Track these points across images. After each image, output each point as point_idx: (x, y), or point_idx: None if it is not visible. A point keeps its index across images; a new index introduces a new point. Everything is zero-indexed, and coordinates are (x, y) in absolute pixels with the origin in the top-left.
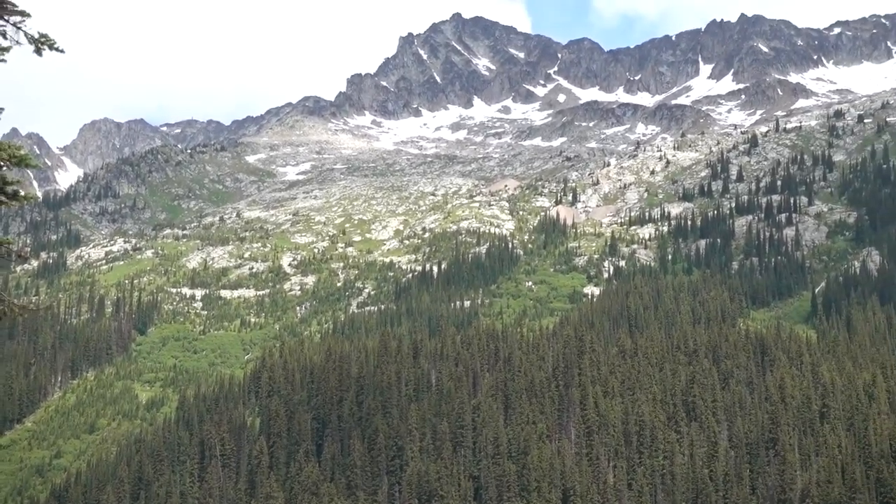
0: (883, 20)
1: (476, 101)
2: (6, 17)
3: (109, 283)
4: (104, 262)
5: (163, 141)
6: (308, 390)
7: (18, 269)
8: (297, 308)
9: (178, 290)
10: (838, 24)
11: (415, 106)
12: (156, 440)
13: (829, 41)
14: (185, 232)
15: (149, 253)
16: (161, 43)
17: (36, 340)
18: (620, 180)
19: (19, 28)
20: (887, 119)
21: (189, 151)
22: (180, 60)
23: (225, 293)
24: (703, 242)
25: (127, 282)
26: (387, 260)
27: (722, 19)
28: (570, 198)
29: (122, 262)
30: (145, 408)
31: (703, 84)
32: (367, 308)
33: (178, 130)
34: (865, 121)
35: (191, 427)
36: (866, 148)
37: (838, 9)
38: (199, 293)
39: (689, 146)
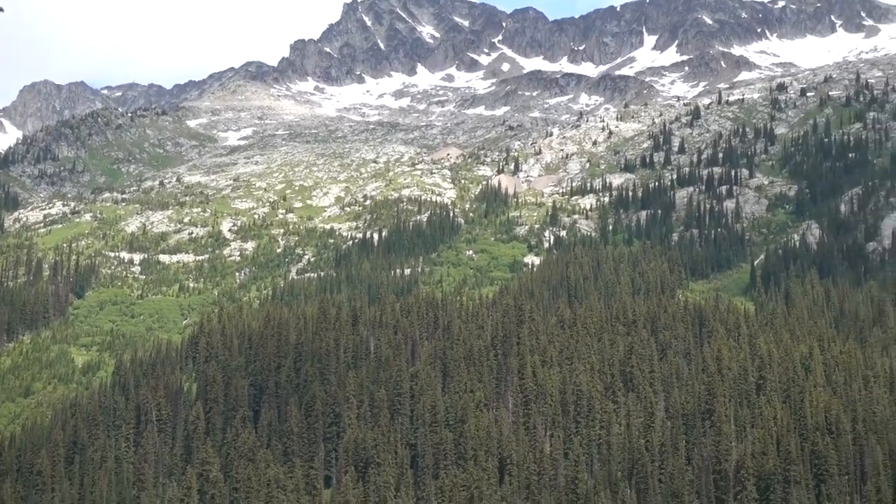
0: None
1: (420, 68)
2: None
3: (47, 247)
4: (42, 225)
5: (103, 104)
6: (246, 356)
7: None
8: (237, 274)
9: (117, 254)
10: None
11: (358, 73)
12: (91, 404)
13: (774, 14)
14: (124, 196)
15: (87, 216)
16: (103, 4)
17: None
18: (563, 150)
19: None
20: (829, 93)
21: (130, 115)
22: (122, 23)
23: (164, 258)
24: (643, 214)
25: (65, 245)
26: (327, 227)
27: None
28: (512, 167)
29: (60, 226)
30: (81, 372)
31: (647, 55)
32: (307, 275)
33: (120, 94)
34: (808, 94)
35: (127, 392)
36: (808, 121)
37: None
38: (137, 257)
39: (632, 117)
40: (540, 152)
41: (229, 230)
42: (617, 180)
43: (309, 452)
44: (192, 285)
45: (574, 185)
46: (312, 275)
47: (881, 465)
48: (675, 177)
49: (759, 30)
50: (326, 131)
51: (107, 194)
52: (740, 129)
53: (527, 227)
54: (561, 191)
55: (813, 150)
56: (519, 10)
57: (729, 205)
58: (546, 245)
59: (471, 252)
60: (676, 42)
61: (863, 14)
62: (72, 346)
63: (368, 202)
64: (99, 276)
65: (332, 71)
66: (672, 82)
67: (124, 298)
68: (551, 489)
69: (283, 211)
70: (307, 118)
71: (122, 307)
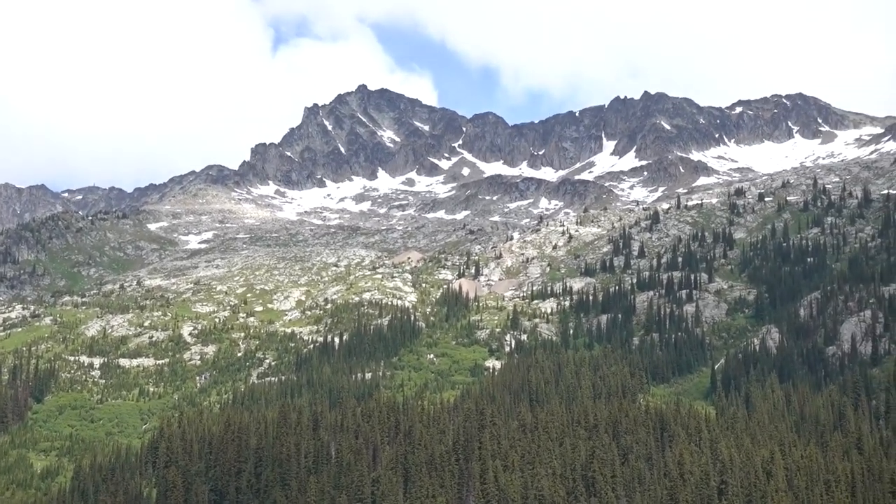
0: (784, 100)
1: (381, 172)
2: None
3: (6, 350)
4: (1, 328)
5: (64, 207)
6: (206, 461)
7: None
8: (197, 378)
9: (77, 358)
10: (740, 103)
11: (319, 176)
12: None
13: (731, 120)
14: (84, 299)
15: (47, 320)
16: (63, 108)
17: None
18: (523, 254)
19: None
20: (787, 198)
21: (90, 218)
22: (83, 126)
23: (124, 362)
24: (604, 317)
25: (24, 349)
26: (288, 330)
27: (626, 96)
28: (472, 271)
29: (20, 329)
30: (40, 477)
31: (606, 160)
32: (268, 379)
33: (80, 197)
34: (766, 199)
35: (86, 497)
36: (766, 226)
37: (740, 88)
38: (97, 361)
39: (592, 221)
40: (500, 256)
41: (190, 334)
42: (577, 284)
43: None
44: (152, 389)
45: (535, 288)
46: (273, 379)
47: None
48: (635, 281)
49: (716, 135)
50: (287, 235)
51: (67, 298)
52: (699, 234)
53: (488, 331)
54: (522, 295)
55: (772, 255)
56: (479, 114)
57: (689, 309)
58: (507, 349)
59: (432, 356)
60: (635, 147)
61: (819, 120)
62: (31, 450)
63: (329, 306)
64: (58, 381)
65: (292, 175)
66: (631, 187)
67: (84, 403)
68: None
69: (244, 315)
70: (268, 222)
71: (81, 411)
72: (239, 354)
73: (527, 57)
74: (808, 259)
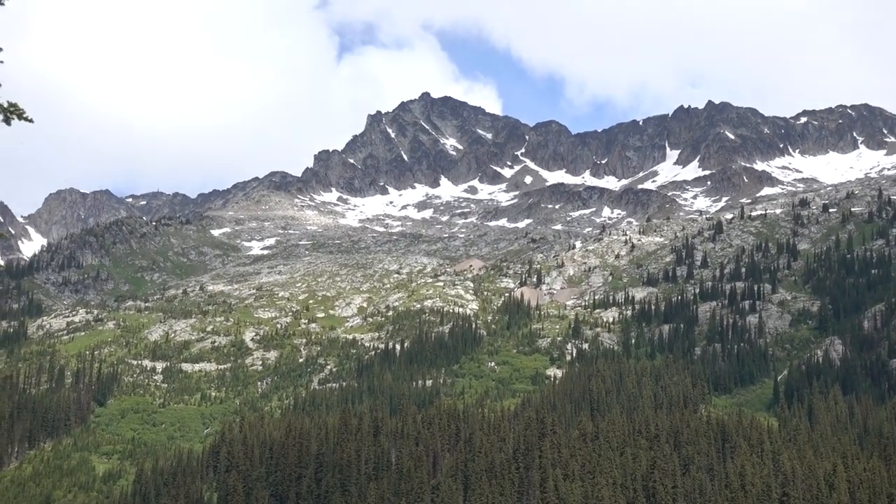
0: (849, 111)
1: (443, 180)
2: None
3: (70, 354)
4: (65, 332)
5: (128, 212)
6: (267, 466)
7: None
8: (259, 383)
9: (139, 362)
10: (804, 113)
11: (381, 184)
12: None
13: (796, 130)
14: (147, 304)
15: (110, 324)
16: (129, 113)
17: None
18: (585, 263)
19: None
20: (852, 209)
21: (154, 224)
22: (149, 132)
23: (186, 366)
24: (666, 327)
25: (87, 353)
26: (350, 337)
27: (689, 105)
28: (534, 279)
29: (83, 333)
30: (102, 480)
31: (669, 169)
32: (329, 385)
33: (144, 202)
34: (830, 210)
35: (147, 500)
36: (831, 237)
37: (805, 99)
38: (159, 366)
39: (655, 231)
40: (562, 265)
41: (252, 339)
42: (639, 294)
43: None
44: (213, 394)
45: (596, 297)
46: (334, 385)
47: None
48: (697, 291)
49: (781, 145)
50: (349, 242)
51: (130, 302)
52: (763, 244)
53: (549, 340)
54: (583, 303)
55: (835, 266)
56: (542, 123)
57: (752, 319)
58: (568, 358)
59: (493, 364)
60: (699, 157)
61: (885, 131)
62: (93, 453)
63: (391, 313)
64: (121, 384)
65: (355, 182)
66: (694, 196)
67: (146, 406)
68: None
69: (306, 321)
70: (330, 228)
71: (143, 415)
72: (300, 360)
73: (591, 66)
74: (873, 271)
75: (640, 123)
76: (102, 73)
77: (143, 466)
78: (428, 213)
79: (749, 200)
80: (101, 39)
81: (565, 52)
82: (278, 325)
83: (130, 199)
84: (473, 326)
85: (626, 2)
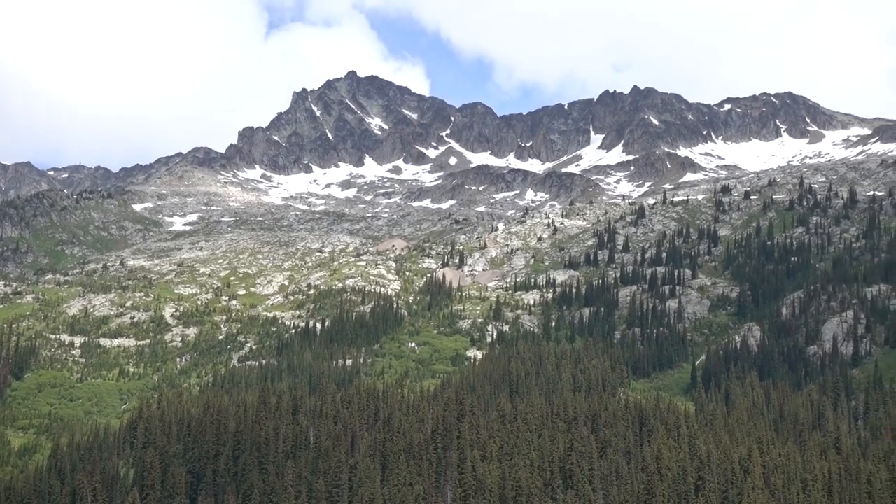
0: (773, 99)
1: (367, 159)
2: None
3: None
4: None
5: (49, 185)
6: (184, 443)
7: None
8: (178, 359)
9: (58, 336)
10: (729, 100)
11: (306, 162)
12: (26, 488)
13: (719, 117)
14: (67, 278)
15: (29, 298)
16: (51, 85)
17: None
18: (508, 245)
19: None
20: (773, 196)
21: (75, 197)
22: (71, 104)
23: (105, 342)
24: (587, 311)
25: (5, 326)
26: (270, 315)
27: (615, 90)
28: (457, 260)
29: (1, 306)
30: (17, 455)
31: (593, 153)
32: (249, 362)
33: (66, 175)
34: (752, 197)
35: (63, 476)
36: (751, 224)
37: (729, 86)
38: (78, 340)
39: (577, 214)
40: (485, 247)
41: (171, 315)
42: (561, 277)
43: None
44: (132, 370)
45: (518, 280)
46: (254, 363)
47: None
48: (618, 275)
49: (704, 132)
50: (272, 219)
51: (49, 276)
52: (684, 230)
53: (470, 321)
54: (505, 286)
55: (756, 253)
56: (468, 104)
57: (672, 304)
58: (489, 339)
59: (413, 344)
60: (623, 141)
61: (808, 120)
62: (8, 428)
63: (312, 291)
64: (38, 358)
65: (279, 159)
66: (618, 181)
67: (63, 381)
68: None
69: (227, 298)
70: (253, 206)
71: (60, 390)
72: (220, 337)
73: (520, 50)
74: (792, 258)
75: (566, 107)
76: (25, 44)
77: (59, 441)
78: (352, 193)
79: (672, 186)
80: (24, 12)
81: (495, 36)
82: (199, 302)
83: (52, 172)
84: (395, 306)
85: None
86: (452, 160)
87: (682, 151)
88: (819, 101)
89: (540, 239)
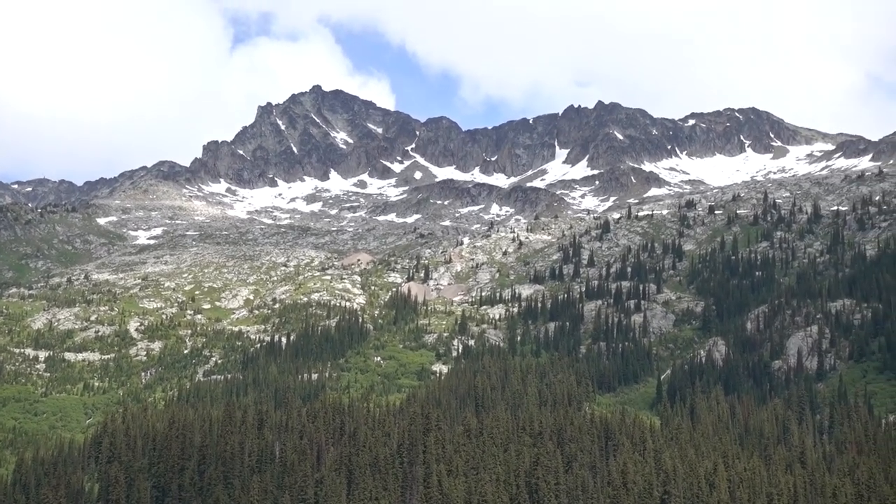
0: (737, 114)
1: (332, 174)
2: None
3: None
4: None
5: (13, 198)
6: (150, 458)
7: None
8: (143, 374)
9: (21, 350)
10: (693, 115)
11: (270, 176)
12: None
13: (684, 132)
14: (31, 292)
15: None
16: (13, 98)
17: None
18: (473, 259)
19: None
20: (737, 211)
21: (39, 210)
22: (34, 117)
23: (69, 356)
24: (552, 325)
25: None
26: (236, 329)
27: (579, 105)
28: (422, 275)
29: None
30: None
31: (558, 168)
32: (214, 377)
33: (30, 189)
34: (716, 212)
35: (27, 491)
36: (716, 239)
37: (693, 101)
38: (42, 354)
39: (543, 229)
40: (450, 261)
41: (136, 329)
42: (526, 291)
43: None
44: (96, 384)
45: (483, 294)
46: (219, 377)
47: None
48: (584, 289)
49: (669, 147)
50: (237, 233)
51: (13, 289)
52: (649, 245)
53: (436, 336)
54: (470, 300)
55: (720, 268)
56: (433, 118)
57: (637, 319)
58: (454, 354)
59: (379, 359)
60: (588, 156)
61: (771, 135)
62: None
63: (277, 305)
64: (2, 373)
65: (244, 173)
66: (583, 195)
67: (27, 395)
68: None
69: (192, 312)
70: (218, 219)
71: (25, 404)
72: (185, 351)
73: (486, 65)
74: (757, 273)
75: (531, 122)
76: None
77: (23, 456)
78: (317, 207)
79: (636, 201)
80: None
81: (460, 51)
82: (164, 316)
83: (16, 186)
84: (360, 321)
85: (522, 2)
86: (418, 174)
87: (647, 166)
88: (783, 117)
89: (505, 253)
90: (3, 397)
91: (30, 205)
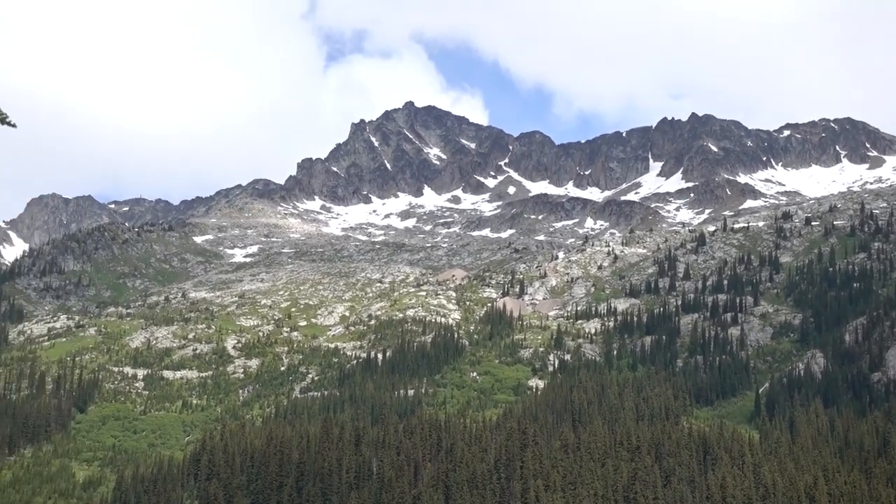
0: (832, 125)
1: (426, 189)
2: None
3: (51, 360)
4: (46, 338)
5: (110, 218)
6: (248, 474)
7: None
8: (240, 391)
9: (120, 368)
10: (788, 126)
11: (365, 192)
12: None
13: (779, 143)
14: (129, 311)
15: (92, 330)
16: (112, 119)
17: None
18: (568, 274)
19: None
20: (834, 222)
21: (136, 230)
22: (132, 138)
23: (167, 374)
24: (648, 339)
25: (68, 359)
26: (332, 345)
27: (673, 117)
28: (517, 290)
29: (64, 339)
30: (82, 487)
31: (652, 181)
32: (311, 393)
33: (127, 208)
34: (813, 223)
35: None
36: (813, 250)
37: (788, 112)
38: (141, 373)
39: (637, 242)
40: (545, 275)
41: (233, 347)
42: (622, 305)
43: None
44: (195, 402)
45: (579, 308)
46: (316, 393)
47: None
48: (679, 303)
49: (764, 158)
50: (332, 250)
51: (112, 309)
52: (745, 257)
53: (531, 350)
54: (566, 314)
55: (818, 279)
56: (525, 133)
57: (734, 332)
58: (550, 368)
59: (475, 374)
60: (682, 169)
61: (867, 145)
62: (73, 460)
63: (373, 322)
64: (102, 391)
65: (338, 190)
66: (677, 208)
67: (127, 414)
68: None
69: (288, 329)
70: (313, 237)
71: (124, 422)
72: (282, 368)
73: (579, 79)
74: (855, 284)
75: (624, 135)
76: (87, 78)
77: (123, 473)
78: (411, 223)
79: (732, 213)
80: (86, 45)
81: (553, 65)
82: (260, 333)
83: (113, 206)
84: (455, 336)
85: (615, 16)
86: (511, 189)
87: (742, 178)
88: (879, 126)
89: (600, 267)
90: (103, 416)
91: (127, 224)
